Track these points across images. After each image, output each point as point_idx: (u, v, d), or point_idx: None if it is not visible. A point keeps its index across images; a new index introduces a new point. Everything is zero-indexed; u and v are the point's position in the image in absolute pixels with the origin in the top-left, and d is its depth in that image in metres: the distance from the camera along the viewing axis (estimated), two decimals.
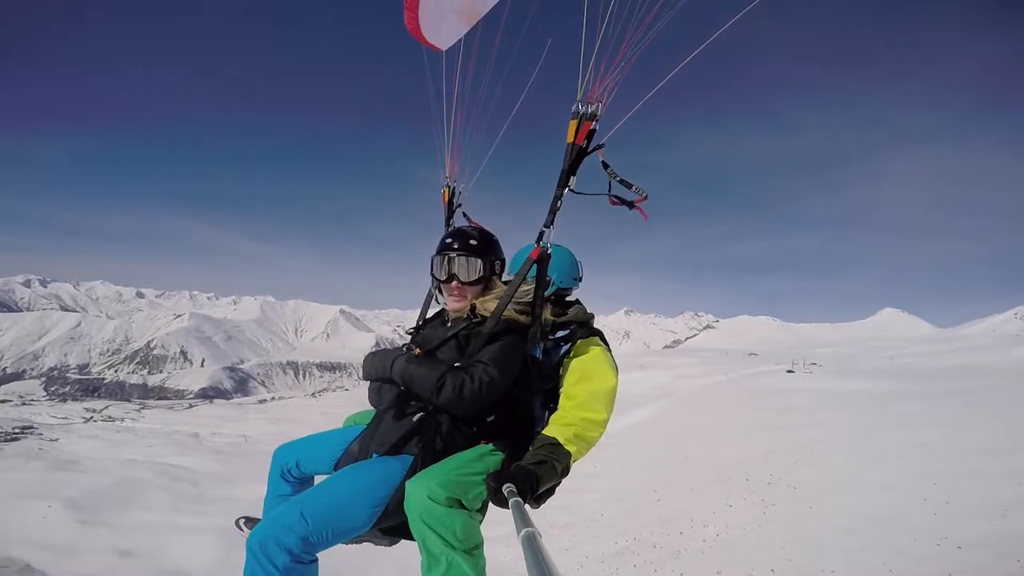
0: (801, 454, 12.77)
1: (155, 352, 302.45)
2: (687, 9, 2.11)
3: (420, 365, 2.23)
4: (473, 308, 2.45)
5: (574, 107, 2.33)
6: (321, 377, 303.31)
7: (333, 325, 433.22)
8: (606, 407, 2.38)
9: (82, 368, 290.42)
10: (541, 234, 2.40)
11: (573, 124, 2.32)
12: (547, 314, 2.56)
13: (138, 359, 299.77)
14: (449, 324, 2.51)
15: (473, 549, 2.05)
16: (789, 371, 32.09)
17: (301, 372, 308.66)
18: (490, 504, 2.11)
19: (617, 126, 2.39)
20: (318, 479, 2.41)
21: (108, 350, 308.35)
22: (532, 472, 2.01)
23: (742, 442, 15.47)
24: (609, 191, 2.42)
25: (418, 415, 2.29)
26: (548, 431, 2.24)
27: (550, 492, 2.17)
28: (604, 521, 12.22)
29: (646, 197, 2.40)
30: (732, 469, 12.97)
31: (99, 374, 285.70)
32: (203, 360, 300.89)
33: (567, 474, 2.18)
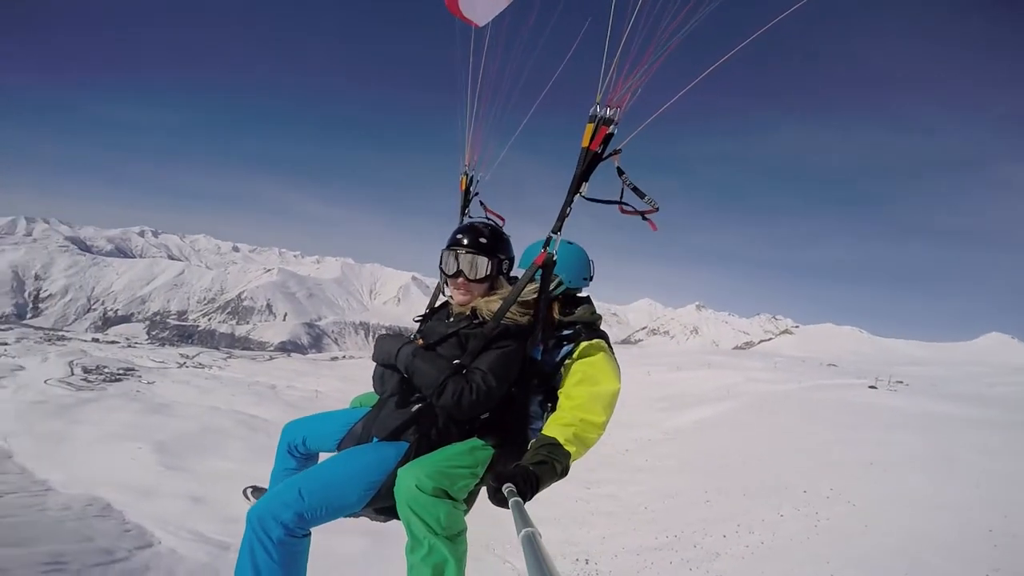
0: (868, 471, 12.24)
1: (244, 303, 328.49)
2: (726, 5, 2.00)
3: (424, 361, 2.29)
4: (474, 309, 2.49)
5: (592, 110, 2.28)
6: None
7: (404, 291, 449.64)
8: (605, 410, 2.36)
9: (180, 315, 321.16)
10: (548, 240, 2.41)
11: (590, 128, 2.28)
12: (554, 313, 2.66)
13: (229, 309, 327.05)
14: (451, 320, 2.56)
15: (455, 536, 2.16)
16: (871, 386, 29.36)
17: (372, 333, 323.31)
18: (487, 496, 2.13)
19: (634, 132, 2.32)
20: (323, 456, 2.56)
21: (204, 299, 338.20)
22: (532, 472, 2.01)
23: (807, 453, 14.94)
24: (621, 199, 2.41)
25: (417, 406, 2.36)
26: (547, 431, 2.25)
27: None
28: (647, 515, 12.32)
29: (657, 209, 2.38)
30: (791, 478, 12.64)
31: (194, 321, 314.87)
32: (285, 314, 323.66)
33: (566, 474, 2.18)
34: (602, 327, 2.77)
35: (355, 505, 2.22)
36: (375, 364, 2.52)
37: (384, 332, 2.66)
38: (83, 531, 7.77)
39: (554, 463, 2.10)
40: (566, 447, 2.17)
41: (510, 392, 2.40)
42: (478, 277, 2.50)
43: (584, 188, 2.39)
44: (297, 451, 2.64)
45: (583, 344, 2.56)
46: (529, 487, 1.96)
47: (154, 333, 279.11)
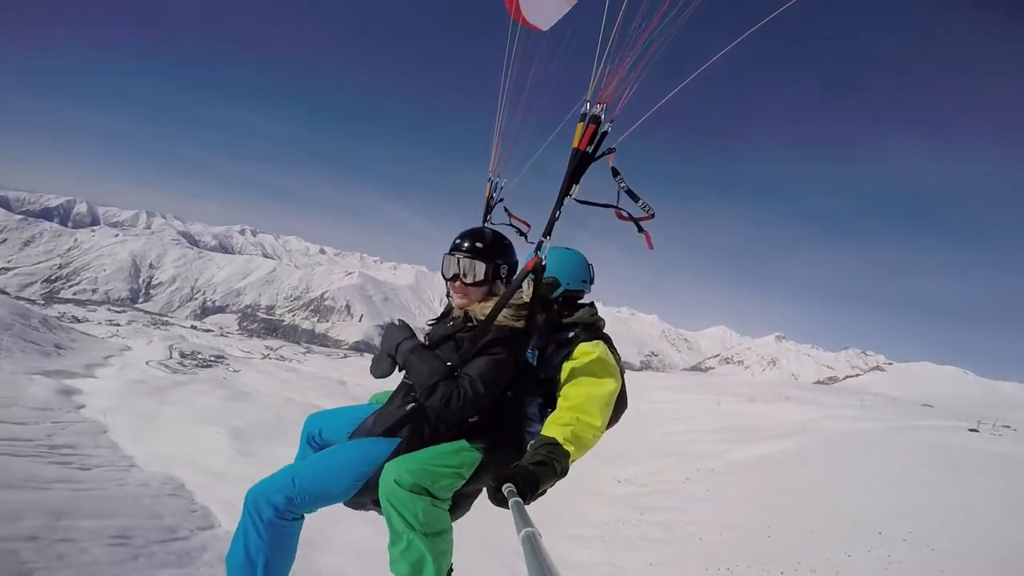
0: (956, 516, 10.94)
1: (326, 303, 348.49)
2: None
3: (420, 359, 2.34)
4: (466, 312, 2.53)
5: (582, 107, 2.23)
6: None
7: None
8: (602, 411, 2.34)
9: (269, 309, 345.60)
10: (539, 244, 2.39)
11: (580, 127, 2.23)
12: (551, 316, 2.71)
13: (312, 307, 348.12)
14: (451, 323, 2.59)
15: (435, 534, 2.21)
16: (972, 430, 25.92)
17: None
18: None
19: (628, 131, 2.28)
20: None
21: (291, 296, 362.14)
22: (533, 473, 1.97)
23: (888, 495, 13.58)
24: (617, 202, 2.37)
25: (412, 404, 2.42)
26: (546, 431, 2.22)
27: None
28: (700, 546, 11.60)
29: (652, 215, 2.34)
30: (866, 520, 11.58)
31: (280, 316, 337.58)
32: (361, 316, 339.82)
33: (565, 474, 2.14)
34: (605, 329, 2.79)
35: (343, 495, 2.30)
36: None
37: (393, 321, 2.66)
38: (155, 508, 8.25)
39: (554, 463, 2.06)
40: (565, 447, 2.14)
41: (505, 396, 2.42)
42: (475, 281, 2.53)
43: (575, 190, 2.33)
44: (314, 441, 2.72)
45: (580, 345, 2.55)
46: (529, 487, 1.92)
47: (244, 324, 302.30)
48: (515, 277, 2.49)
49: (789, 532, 11.55)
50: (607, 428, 2.55)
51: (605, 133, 2.22)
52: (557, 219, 2.35)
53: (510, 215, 3.06)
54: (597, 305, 2.92)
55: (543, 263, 2.41)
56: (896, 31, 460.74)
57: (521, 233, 3.00)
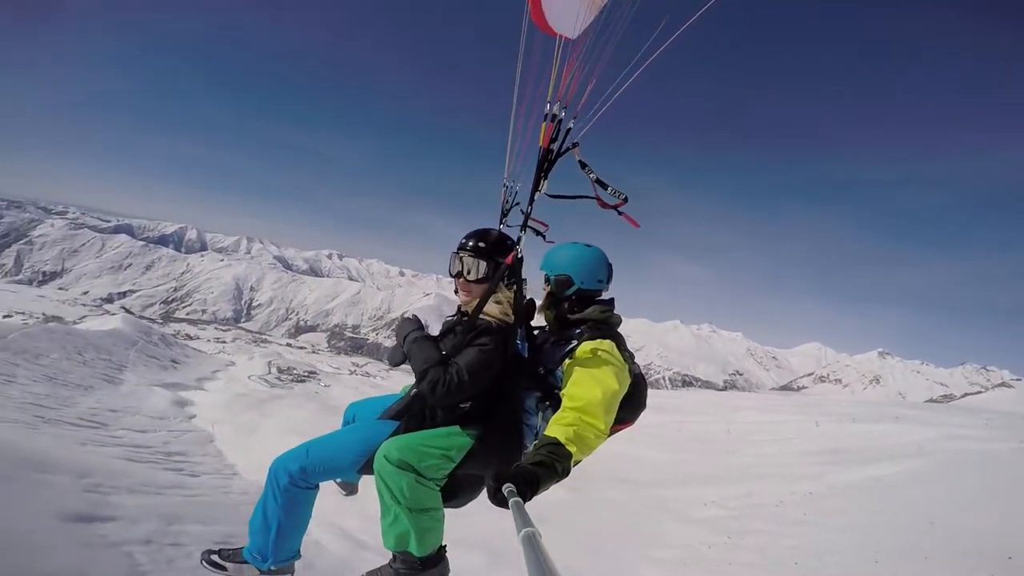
0: None
1: None
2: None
3: (419, 348, 2.51)
4: (462, 307, 2.73)
5: (546, 108, 2.42)
6: None
7: None
8: (604, 412, 2.28)
9: (355, 328, 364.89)
10: (517, 239, 2.66)
11: (543, 126, 2.42)
12: (557, 314, 2.73)
13: (393, 326, 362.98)
14: (455, 317, 2.80)
15: (420, 511, 2.34)
16: None
17: None
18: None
19: (589, 124, 2.43)
20: None
21: (375, 316, 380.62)
22: (533, 473, 1.95)
23: (1021, 518, 11.56)
24: (595, 193, 2.53)
25: (414, 391, 2.59)
26: (549, 430, 2.19)
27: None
28: (796, 571, 10.30)
29: (625, 199, 2.51)
30: (992, 544, 10.02)
31: (365, 335, 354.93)
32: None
33: (567, 475, 2.10)
34: (619, 331, 2.74)
35: (348, 469, 2.51)
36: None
37: (407, 315, 2.83)
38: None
39: (555, 463, 2.04)
40: (567, 447, 2.11)
41: (500, 387, 2.53)
42: (477, 278, 2.67)
43: (544, 185, 2.49)
44: (350, 425, 2.92)
45: (584, 344, 2.51)
46: (529, 487, 1.91)
47: (333, 342, 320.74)
48: (496, 272, 2.63)
49: (901, 558, 10.24)
50: (622, 428, 2.62)
51: (569, 129, 2.35)
52: (530, 213, 2.60)
53: (527, 217, 3.03)
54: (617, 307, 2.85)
55: (520, 256, 2.63)
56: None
57: (538, 233, 3.00)
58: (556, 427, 2.20)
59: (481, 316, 2.57)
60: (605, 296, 2.86)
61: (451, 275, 2.77)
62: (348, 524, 10.38)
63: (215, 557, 2.74)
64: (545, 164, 2.47)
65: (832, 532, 12.83)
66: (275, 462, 2.49)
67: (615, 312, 2.77)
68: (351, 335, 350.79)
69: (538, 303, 2.86)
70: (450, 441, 2.46)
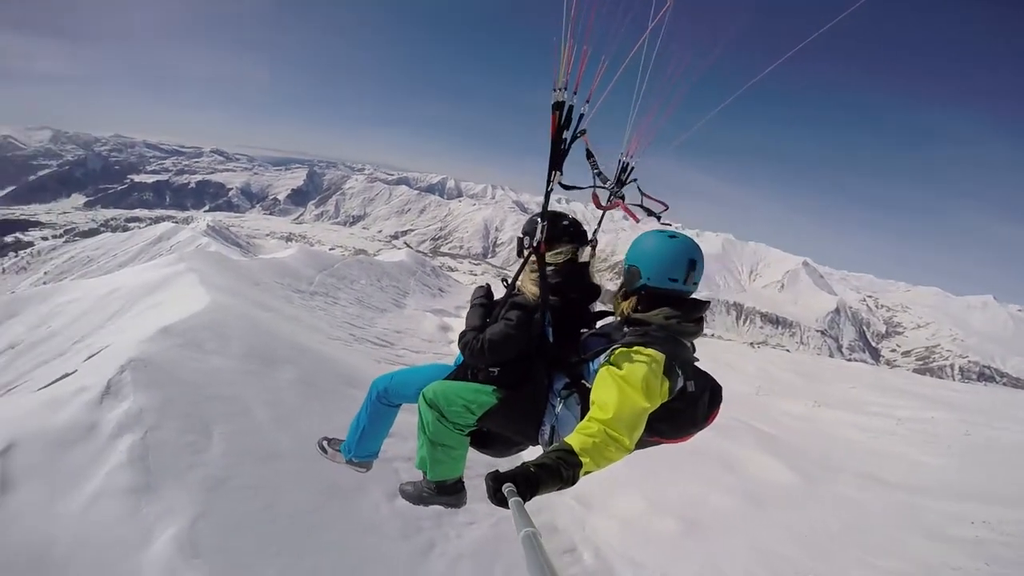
0: None
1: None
2: None
3: (471, 314, 2.84)
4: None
5: (552, 97, 2.33)
6: (762, 328, 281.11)
7: (792, 276, 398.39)
8: (628, 428, 2.10)
9: None
10: (536, 227, 2.69)
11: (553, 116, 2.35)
12: (625, 307, 2.52)
13: (616, 269, 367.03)
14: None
15: (439, 444, 2.68)
16: None
17: (743, 317, 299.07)
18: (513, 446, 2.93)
19: (594, 109, 2.37)
20: None
21: (599, 257, 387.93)
22: (533, 474, 1.84)
23: None
24: (594, 184, 2.79)
25: None
26: (570, 437, 2.06)
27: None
28: None
29: (615, 193, 2.81)
30: None
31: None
32: None
33: (573, 483, 1.94)
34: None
35: (412, 396, 2.87)
36: None
37: (479, 285, 3.12)
38: None
39: (561, 469, 1.89)
40: (580, 456, 1.95)
41: (519, 363, 2.63)
42: (518, 253, 2.83)
43: (556, 176, 2.46)
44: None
45: (619, 348, 2.26)
46: (528, 488, 1.78)
47: None
48: (523, 249, 2.79)
49: None
50: (668, 441, 2.48)
51: (582, 115, 2.36)
52: (547, 203, 2.63)
53: (644, 195, 2.97)
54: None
55: (539, 241, 2.64)
56: None
57: (651, 213, 2.95)
58: (577, 435, 2.07)
59: (518, 291, 2.75)
60: (696, 296, 2.49)
61: None
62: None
63: (324, 443, 3.43)
64: (552, 154, 2.42)
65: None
66: (373, 381, 3.06)
67: (690, 321, 2.40)
68: None
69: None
70: (476, 397, 2.63)
